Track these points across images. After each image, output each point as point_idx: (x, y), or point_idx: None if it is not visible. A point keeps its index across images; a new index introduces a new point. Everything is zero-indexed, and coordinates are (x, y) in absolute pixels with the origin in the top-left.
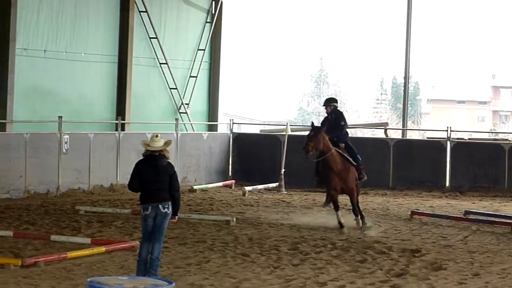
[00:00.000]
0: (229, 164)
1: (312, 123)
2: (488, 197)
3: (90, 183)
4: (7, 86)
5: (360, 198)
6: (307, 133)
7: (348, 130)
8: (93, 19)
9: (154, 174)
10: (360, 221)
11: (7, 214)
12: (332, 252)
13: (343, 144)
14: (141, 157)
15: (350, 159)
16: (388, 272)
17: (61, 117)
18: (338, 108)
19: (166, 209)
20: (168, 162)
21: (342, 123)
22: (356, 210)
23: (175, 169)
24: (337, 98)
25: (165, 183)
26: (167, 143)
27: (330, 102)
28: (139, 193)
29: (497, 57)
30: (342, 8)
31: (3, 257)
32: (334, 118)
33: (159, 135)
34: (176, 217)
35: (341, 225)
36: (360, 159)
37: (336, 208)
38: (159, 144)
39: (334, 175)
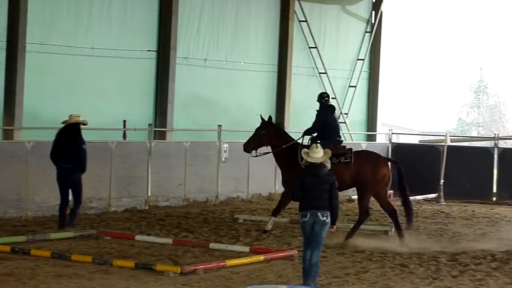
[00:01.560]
0: None
1: (262, 118)
2: None
3: (248, 192)
4: (168, 95)
5: None
6: (465, 144)
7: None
8: (253, 28)
9: (315, 183)
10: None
11: (167, 221)
12: (492, 264)
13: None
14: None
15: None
16: None
17: (221, 125)
18: (327, 103)
19: (324, 218)
20: (328, 171)
21: (314, 120)
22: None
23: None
24: (496, 108)
25: (325, 192)
26: (327, 153)
27: (318, 97)
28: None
29: None
30: (503, 18)
31: (162, 264)
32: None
33: (319, 145)
34: (335, 226)
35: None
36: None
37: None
38: (319, 155)
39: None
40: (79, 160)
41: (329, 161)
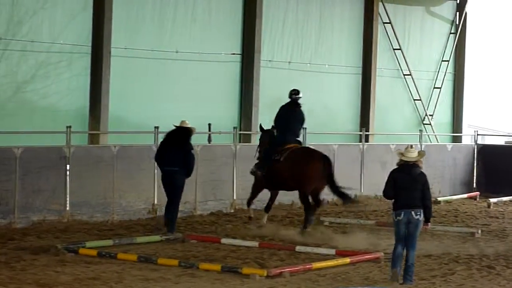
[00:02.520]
0: (473, 175)
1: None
2: None
3: (333, 195)
4: (252, 98)
5: None
6: None
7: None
8: (337, 31)
9: (407, 182)
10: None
11: (252, 224)
12: None
13: None
14: (395, 167)
15: None
16: None
17: (306, 128)
18: (294, 100)
19: (418, 216)
20: (421, 171)
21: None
22: None
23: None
24: None
25: (418, 191)
26: (421, 154)
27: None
28: (393, 201)
29: None
30: None
31: (249, 267)
32: None
33: (413, 146)
34: (429, 224)
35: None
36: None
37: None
38: (413, 155)
39: None
40: (188, 164)
41: (422, 162)
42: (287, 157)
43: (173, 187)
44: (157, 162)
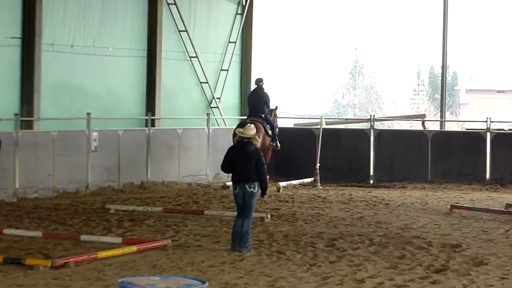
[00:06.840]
0: None
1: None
2: None
3: (120, 181)
4: (34, 83)
5: (398, 192)
6: (341, 126)
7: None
8: (121, 13)
9: (242, 158)
10: None
11: (36, 214)
12: (370, 249)
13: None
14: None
15: None
16: (427, 268)
17: (90, 113)
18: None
19: (251, 189)
20: (256, 148)
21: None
22: None
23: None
24: (372, 88)
25: (252, 166)
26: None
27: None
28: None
29: None
30: None
31: (32, 258)
32: None
33: (252, 125)
34: (265, 196)
35: None
36: None
37: None
38: (251, 132)
39: None
40: None
41: (257, 140)
42: None
43: None
44: None
